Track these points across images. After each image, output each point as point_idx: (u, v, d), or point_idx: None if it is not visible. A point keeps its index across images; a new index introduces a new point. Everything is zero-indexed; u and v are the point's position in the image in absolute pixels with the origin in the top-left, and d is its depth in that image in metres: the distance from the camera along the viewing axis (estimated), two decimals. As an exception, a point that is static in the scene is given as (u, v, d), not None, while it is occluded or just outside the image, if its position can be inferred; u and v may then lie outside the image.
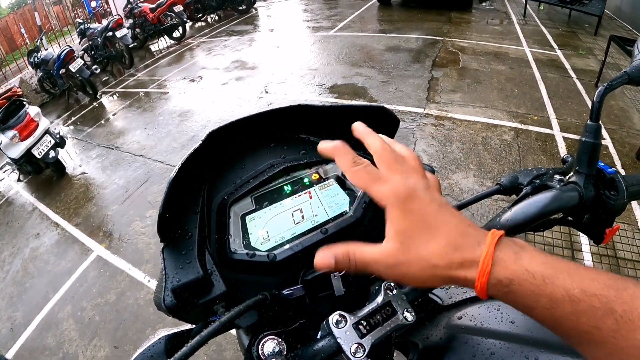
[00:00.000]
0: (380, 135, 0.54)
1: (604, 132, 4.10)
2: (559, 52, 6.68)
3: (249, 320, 0.58)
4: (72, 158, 5.87)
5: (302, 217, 0.67)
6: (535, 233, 3.17)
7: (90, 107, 7.80)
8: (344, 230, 0.66)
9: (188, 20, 11.46)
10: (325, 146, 0.52)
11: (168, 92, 7.52)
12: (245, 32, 10.63)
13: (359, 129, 0.55)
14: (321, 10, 11.60)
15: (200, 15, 12.72)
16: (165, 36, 11.06)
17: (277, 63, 7.82)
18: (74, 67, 7.20)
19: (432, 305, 0.81)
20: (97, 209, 4.56)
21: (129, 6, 11.02)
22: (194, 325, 0.66)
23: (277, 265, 0.62)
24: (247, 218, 0.66)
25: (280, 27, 10.85)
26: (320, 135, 0.78)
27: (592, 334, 0.37)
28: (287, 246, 0.64)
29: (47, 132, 5.17)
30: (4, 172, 6.19)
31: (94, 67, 7.87)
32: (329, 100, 5.78)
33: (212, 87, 7.28)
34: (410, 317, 0.56)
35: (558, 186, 0.69)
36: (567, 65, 6.12)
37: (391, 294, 0.57)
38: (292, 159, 0.72)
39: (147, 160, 5.23)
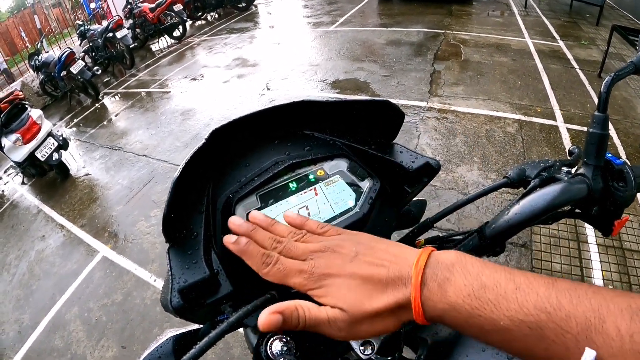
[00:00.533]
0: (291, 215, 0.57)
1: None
2: (561, 43, 6.65)
3: (257, 319, 0.58)
4: (75, 160, 5.88)
5: (308, 214, 0.66)
6: (542, 226, 3.17)
7: (93, 108, 7.81)
8: (350, 227, 0.65)
9: (188, 19, 11.45)
10: (229, 241, 0.53)
11: (170, 92, 7.52)
12: (245, 30, 10.62)
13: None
14: (321, 5, 11.57)
15: (200, 13, 12.73)
16: (166, 35, 11.06)
17: (278, 60, 7.81)
18: (75, 68, 7.21)
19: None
20: (102, 209, 4.57)
21: (129, 6, 11.02)
22: (201, 325, 0.66)
23: None
24: None
25: (280, 23, 10.84)
26: (325, 131, 0.77)
27: (528, 356, 0.38)
28: None
29: (50, 134, 5.17)
30: (8, 175, 6.22)
31: (95, 68, 7.89)
32: (331, 95, 5.77)
33: (214, 85, 7.29)
34: None
35: (566, 178, 0.68)
36: (570, 56, 6.09)
37: None
38: (297, 156, 0.72)
39: (151, 159, 5.24)
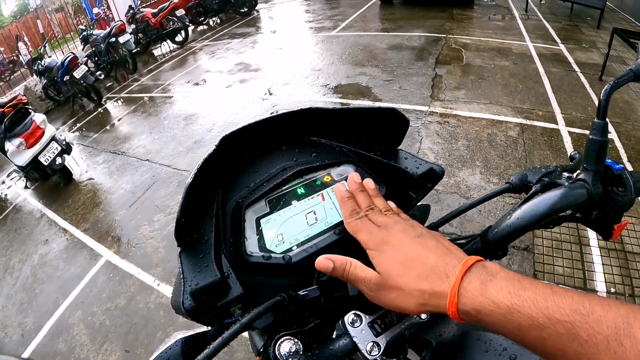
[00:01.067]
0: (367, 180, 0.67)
1: (609, 126, 4.08)
2: (562, 46, 6.66)
3: (265, 321, 0.59)
4: (78, 164, 5.90)
5: (316, 219, 0.67)
6: (544, 230, 3.17)
7: (95, 113, 7.84)
8: None
9: (190, 24, 11.52)
10: (339, 189, 0.65)
11: (172, 96, 7.55)
12: (247, 35, 10.65)
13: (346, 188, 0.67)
14: (323, 10, 11.60)
15: (202, 18, 12.77)
16: (168, 40, 11.11)
17: (281, 64, 7.83)
18: (78, 73, 7.22)
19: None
20: (105, 214, 4.59)
21: (131, 11, 11.06)
22: (209, 327, 0.67)
23: (293, 267, 0.63)
24: (262, 221, 0.67)
25: (282, 28, 10.87)
26: (331, 137, 0.79)
27: (558, 357, 0.40)
28: (301, 248, 0.64)
29: (53, 139, 5.19)
30: (12, 179, 6.24)
31: (97, 73, 7.90)
32: (334, 100, 5.79)
33: (216, 90, 7.31)
34: (423, 315, 0.57)
35: (566, 184, 0.69)
36: (571, 59, 6.10)
37: None
38: (304, 162, 0.73)
39: (154, 164, 5.26)
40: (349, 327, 0.54)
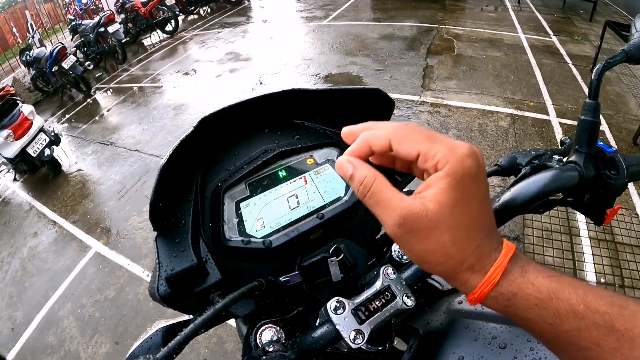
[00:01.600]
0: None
1: (600, 118, 4.09)
2: (554, 38, 6.66)
3: (247, 309, 0.57)
4: (67, 155, 5.83)
5: (298, 202, 0.65)
6: (534, 216, 3.17)
7: (84, 103, 7.75)
8: (340, 216, 0.65)
9: (180, 14, 11.39)
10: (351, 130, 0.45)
11: (162, 86, 7.47)
12: (238, 24, 10.56)
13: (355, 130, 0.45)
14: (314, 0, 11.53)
15: (192, 8, 12.63)
16: (158, 30, 10.98)
17: (271, 54, 7.78)
18: (66, 64, 7.13)
19: (432, 290, 0.80)
20: (94, 205, 4.55)
21: (121, 1, 10.90)
22: (191, 316, 0.65)
23: (273, 252, 0.61)
24: (242, 205, 0.65)
25: (273, 17, 10.79)
26: (315, 120, 0.76)
27: (591, 351, 0.37)
28: (282, 232, 0.62)
29: (41, 130, 5.13)
30: (0, 172, 6.16)
31: (86, 63, 7.83)
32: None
33: (206, 79, 7.25)
34: (410, 302, 0.54)
35: (557, 166, 0.68)
36: (563, 51, 6.10)
37: (390, 278, 0.55)
38: (286, 144, 0.71)
39: (143, 154, 5.21)
40: (331, 315, 0.51)
